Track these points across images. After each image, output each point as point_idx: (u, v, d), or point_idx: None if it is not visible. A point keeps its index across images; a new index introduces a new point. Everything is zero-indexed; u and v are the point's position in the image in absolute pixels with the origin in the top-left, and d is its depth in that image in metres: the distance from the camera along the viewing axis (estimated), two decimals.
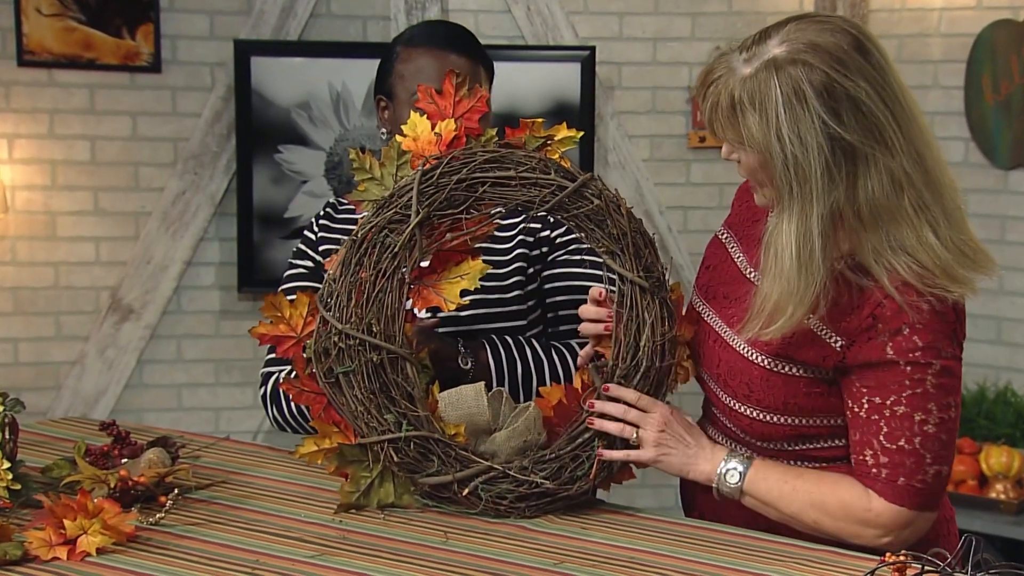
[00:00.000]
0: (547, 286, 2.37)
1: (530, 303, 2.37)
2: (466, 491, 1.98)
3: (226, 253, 4.28)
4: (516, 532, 1.94)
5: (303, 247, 2.43)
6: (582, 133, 2.07)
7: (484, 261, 2.08)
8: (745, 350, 1.97)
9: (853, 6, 4.31)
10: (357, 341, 1.98)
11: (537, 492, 1.99)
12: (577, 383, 2.05)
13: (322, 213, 2.46)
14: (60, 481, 2.02)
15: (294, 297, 2.05)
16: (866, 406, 1.89)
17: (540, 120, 2.04)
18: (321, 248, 2.40)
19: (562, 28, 4.35)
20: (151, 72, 4.18)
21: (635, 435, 1.98)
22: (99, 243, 4.22)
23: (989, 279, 1.93)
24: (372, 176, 2.07)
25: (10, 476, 1.95)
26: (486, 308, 2.32)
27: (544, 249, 2.37)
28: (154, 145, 4.23)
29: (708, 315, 2.06)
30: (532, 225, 2.36)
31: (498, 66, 2.46)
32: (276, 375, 2.33)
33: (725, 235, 2.13)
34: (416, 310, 2.06)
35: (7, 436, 1.98)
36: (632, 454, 1.99)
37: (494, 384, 2.23)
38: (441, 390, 2.05)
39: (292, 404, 2.29)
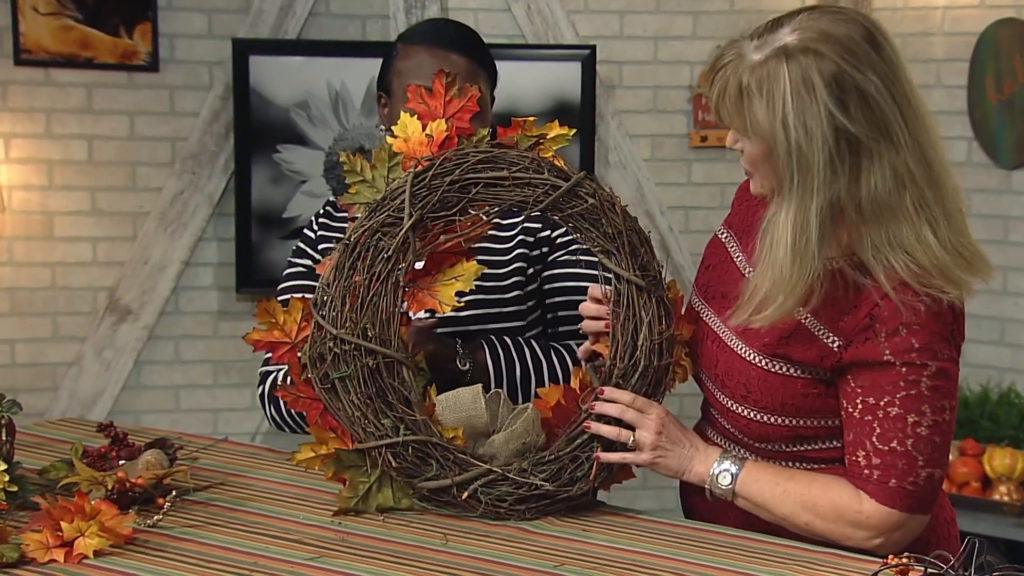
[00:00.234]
0: (547, 287, 2.37)
1: (530, 303, 2.36)
2: (465, 494, 1.98)
3: (224, 253, 4.27)
4: (516, 534, 1.93)
5: (302, 245, 2.43)
6: (574, 131, 2.07)
7: (484, 261, 2.08)
8: (743, 350, 1.97)
9: (856, 4, 4.30)
10: (352, 346, 1.97)
11: (537, 494, 1.98)
12: (575, 383, 2.05)
13: (322, 212, 2.46)
14: (57, 483, 2.02)
15: (289, 297, 2.05)
16: (860, 406, 1.89)
17: (532, 119, 2.04)
18: (321, 247, 2.40)
19: (562, 27, 4.34)
20: (149, 71, 4.17)
21: (632, 439, 1.97)
22: (96, 243, 4.21)
23: (991, 281, 1.93)
24: (363, 179, 2.06)
25: (7, 478, 1.95)
26: (485, 308, 2.31)
27: (544, 249, 2.36)
28: (152, 145, 4.22)
29: (707, 315, 2.06)
30: (532, 225, 2.36)
31: (498, 65, 2.45)
32: (274, 374, 2.33)
33: (725, 234, 2.13)
34: (411, 313, 2.05)
35: (4, 438, 1.98)
36: (629, 457, 1.99)
37: (492, 386, 2.23)
38: (439, 392, 2.05)
39: None
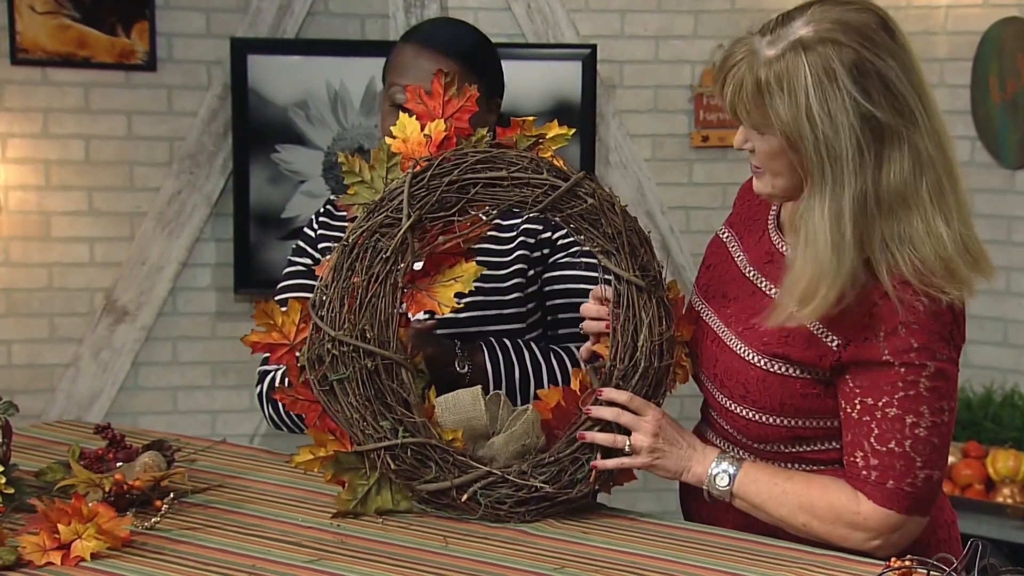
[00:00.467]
0: (547, 288, 2.36)
1: (530, 305, 2.35)
2: (465, 497, 1.97)
3: (222, 254, 4.26)
4: (516, 537, 1.93)
5: (302, 244, 2.43)
6: (574, 131, 2.05)
7: (484, 262, 2.08)
8: (742, 350, 1.96)
9: None
10: (351, 347, 1.97)
11: (536, 496, 1.98)
12: (576, 385, 2.04)
13: (322, 211, 2.46)
14: (54, 485, 2.01)
15: (287, 297, 2.04)
16: (858, 407, 1.88)
17: (531, 118, 2.03)
18: (320, 246, 2.39)
19: (563, 26, 4.34)
20: (146, 71, 4.17)
21: (627, 444, 1.96)
22: (94, 244, 4.21)
23: (994, 281, 1.93)
24: (362, 179, 2.05)
25: (3, 480, 1.94)
26: (485, 310, 2.30)
27: (545, 251, 2.35)
28: (149, 144, 4.22)
29: (707, 315, 2.06)
30: (533, 226, 2.35)
31: None
32: (273, 373, 2.33)
33: (726, 234, 2.12)
34: (410, 314, 2.05)
35: (0, 440, 1.97)
36: (626, 461, 1.98)
37: (491, 387, 2.22)
38: (438, 394, 2.04)
39: None
